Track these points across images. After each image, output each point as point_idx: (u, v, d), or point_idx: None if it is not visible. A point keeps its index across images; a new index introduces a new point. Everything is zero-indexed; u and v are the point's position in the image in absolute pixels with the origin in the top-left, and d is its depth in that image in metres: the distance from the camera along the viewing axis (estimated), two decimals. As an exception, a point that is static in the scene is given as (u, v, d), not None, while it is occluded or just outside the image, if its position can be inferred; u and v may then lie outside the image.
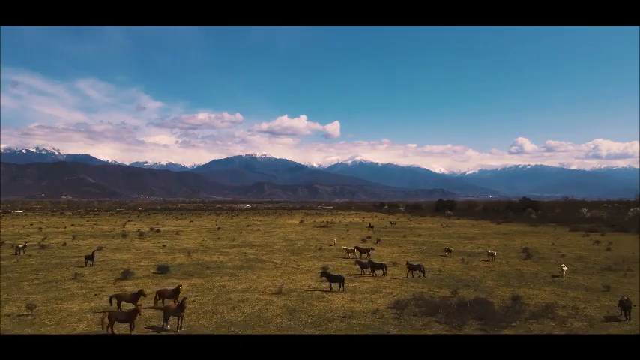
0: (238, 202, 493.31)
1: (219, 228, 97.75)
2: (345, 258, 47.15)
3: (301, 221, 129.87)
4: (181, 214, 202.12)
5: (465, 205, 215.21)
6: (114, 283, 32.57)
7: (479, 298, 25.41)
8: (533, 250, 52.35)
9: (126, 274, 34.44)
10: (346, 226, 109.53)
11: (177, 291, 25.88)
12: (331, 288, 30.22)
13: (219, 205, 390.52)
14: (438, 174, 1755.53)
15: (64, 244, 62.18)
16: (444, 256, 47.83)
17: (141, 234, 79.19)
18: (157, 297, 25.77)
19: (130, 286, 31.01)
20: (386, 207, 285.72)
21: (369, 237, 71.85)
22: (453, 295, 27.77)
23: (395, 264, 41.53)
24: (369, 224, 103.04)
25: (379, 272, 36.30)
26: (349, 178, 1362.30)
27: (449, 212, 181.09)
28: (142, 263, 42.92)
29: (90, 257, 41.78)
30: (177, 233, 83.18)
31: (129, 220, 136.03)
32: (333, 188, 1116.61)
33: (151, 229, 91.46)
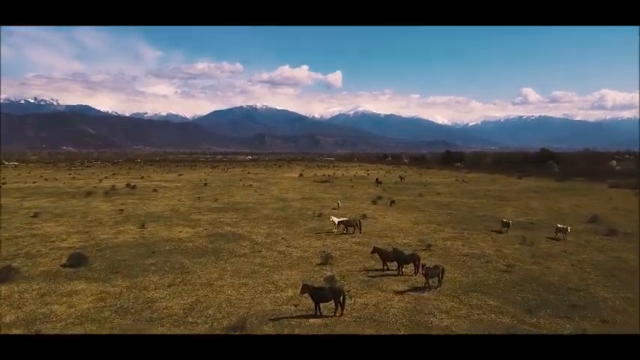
0: (239, 154, 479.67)
1: (205, 184, 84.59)
2: (346, 234, 33.90)
3: (300, 175, 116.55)
4: (177, 166, 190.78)
5: (474, 157, 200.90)
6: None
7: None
8: (605, 220, 38.98)
9: (7, 274, 21.19)
10: (350, 180, 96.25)
11: None
12: (318, 312, 16.97)
13: (220, 157, 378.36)
14: (441, 125, 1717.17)
15: None
16: (496, 231, 34.31)
17: (110, 192, 66.10)
18: None
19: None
20: (389, 158, 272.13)
21: (380, 197, 58.54)
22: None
23: (429, 246, 28.27)
24: (377, 179, 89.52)
25: (401, 268, 22.98)
26: (351, 129, 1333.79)
27: (458, 165, 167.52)
28: (63, 244, 29.76)
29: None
30: (155, 191, 70.11)
31: (113, 174, 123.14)
32: (334, 139, 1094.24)
33: (127, 185, 78.34)
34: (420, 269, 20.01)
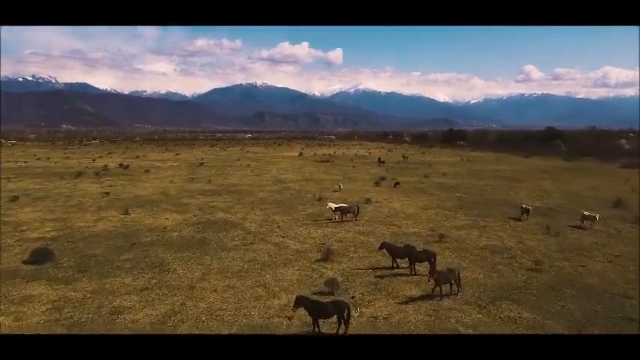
0: (239, 132, 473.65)
1: (201, 163, 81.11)
2: (347, 221, 30.70)
3: (300, 154, 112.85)
4: (175, 145, 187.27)
5: (477, 136, 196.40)
6: None
7: None
8: (629, 204, 35.69)
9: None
10: (351, 160, 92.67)
11: None
12: (317, 328, 13.84)
13: (220, 135, 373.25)
14: (442, 103, 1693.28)
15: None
16: (514, 218, 31.02)
17: (101, 173, 62.74)
18: None
19: None
20: (390, 137, 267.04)
21: (383, 178, 55.18)
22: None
23: (442, 237, 25.03)
24: (379, 159, 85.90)
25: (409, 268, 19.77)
26: (352, 107, 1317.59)
27: (461, 143, 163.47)
28: (33, 234, 26.55)
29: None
30: (147, 171, 66.75)
31: (109, 153, 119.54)
32: (335, 117, 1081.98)
33: (120, 165, 74.88)
34: (430, 273, 16.73)
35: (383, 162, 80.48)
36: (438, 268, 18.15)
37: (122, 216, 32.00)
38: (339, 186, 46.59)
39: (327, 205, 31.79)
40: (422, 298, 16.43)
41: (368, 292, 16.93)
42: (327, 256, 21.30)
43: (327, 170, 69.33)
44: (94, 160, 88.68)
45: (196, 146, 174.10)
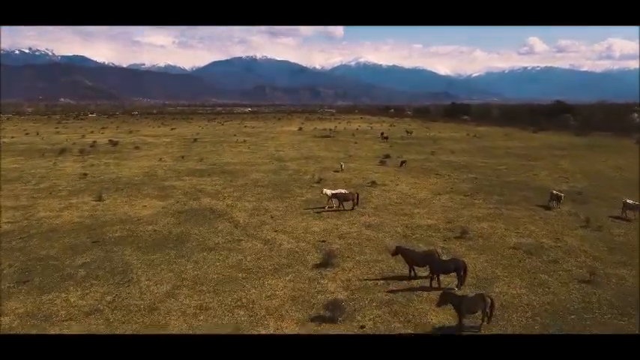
0: (239, 106, 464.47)
1: (195, 139, 76.48)
2: (347, 211, 26.59)
3: (300, 129, 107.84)
4: (173, 119, 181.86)
5: (481, 110, 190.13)
6: None
7: None
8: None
9: None
10: (353, 135, 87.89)
11: None
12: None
13: (219, 109, 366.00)
14: (443, 76, 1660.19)
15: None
16: (542, 206, 26.76)
17: (87, 150, 58.28)
18: None
19: None
20: (392, 110, 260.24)
21: (388, 156, 50.75)
22: None
23: (463, 234, 20.85)
24: (382, 134, 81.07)
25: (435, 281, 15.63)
26: (352, 81, 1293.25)
27: (465, 117, 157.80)
28: (-19, 228, 22.52)
29: None
30: (137, 148, 62.32)
31: (102, 128, 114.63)
32: (335, 91, 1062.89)
33: (109, 141, 70.25)
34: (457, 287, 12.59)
35: (386, 137, 75.71)
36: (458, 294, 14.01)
37: (95, 203, 27.88)
38: (341, 165, 42.25)
39: (323, 191, 27.09)
40: (453, 327, 12.43)
41: (381, 318, 12.92)
42: (327, 259, 17.23)
43: (327, 146, 64.81)
44: (83, 136, 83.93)
45: (194, 120, 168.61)
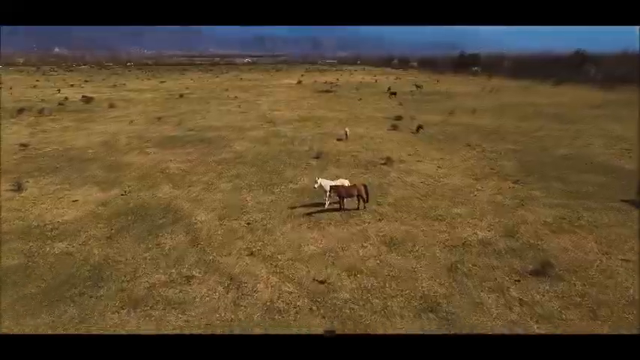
0: (238, 56, 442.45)
1: (182, 95, 66.96)
2: (352, 210, 18.54)
3: (299, 82, 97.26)
4: (167, 70, 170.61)
5: (491, 61, 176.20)
6: None
7: None
8: None
9: None
10: (357, 89, 78.04)
11: None
12: None
13: (217, 60, 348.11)
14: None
15: None
16: (632, 203, 18.51)
17: (51, 109, 49.39)
18: None
19: None
20: (395, 61, 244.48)
21: (400, 117, 42.01)
22: None
23: (547, 268, 12.75)
24: (389, 89, 71.13)
25: None
26: (354, 30, 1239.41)
27: (476, 69, 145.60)
28: None
29: None
30: (112, 106, 53.38)
31: (85, 81, 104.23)
32: (337, 40, 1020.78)
33: (83, 97, 60.85)
34: None
35: (394, 93, 65.91)
36: None
37: (8, 194, 19.84)
38: (346, 132, 33.66)
39: (316, 181, 18.32)
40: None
41: None
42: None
43: (329, 104, 55.63)
44: (59, 91, 74.10)
45: (189, 72, 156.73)
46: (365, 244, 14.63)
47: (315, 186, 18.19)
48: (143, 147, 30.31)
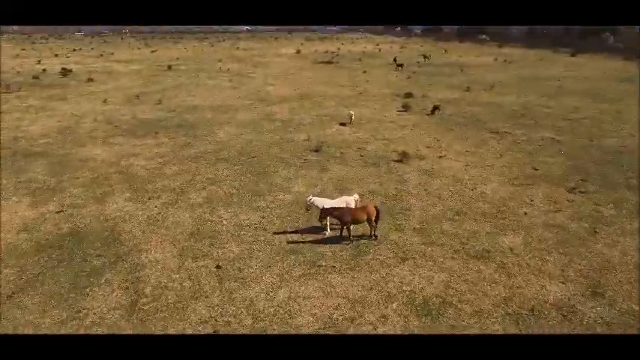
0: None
1: (170, 66, 60.41)
2: (357, 239, 13.38)
3: (298, 51, 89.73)
4: (162, 38, 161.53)
5: (499, 28, 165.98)
6: None
7: None
8: None
9: None
10: (359, 60, 71.15)
11: None
12: None
13: (216, 27, 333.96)
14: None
15: None
16: None
17: (22, 83, 43.45)
18: None
19: None
20: (398, 28, 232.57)
21: (410, 94, 36.25)
22: None
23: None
24: (395, 60, 64.20)
25: None
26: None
27: (484, 37, 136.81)
28: None
29: None
30: (90, 80, 47.35)
31: (73, 50, 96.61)
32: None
33: (62, 69, 54.39)
34: None
35: (401, 65, 59.27)
36: None
37: None
38: (350, 115, 28.04)
39: (308, 199, 13.18)
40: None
41: None
42: None
43: (330, 78, 49.43)
44: (39, 62, 67.44)
45: (182, 40, 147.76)
46: (385, 312, 9.64)
47: (308, 208, 13.03)
48: (109, 135, 24.89)
